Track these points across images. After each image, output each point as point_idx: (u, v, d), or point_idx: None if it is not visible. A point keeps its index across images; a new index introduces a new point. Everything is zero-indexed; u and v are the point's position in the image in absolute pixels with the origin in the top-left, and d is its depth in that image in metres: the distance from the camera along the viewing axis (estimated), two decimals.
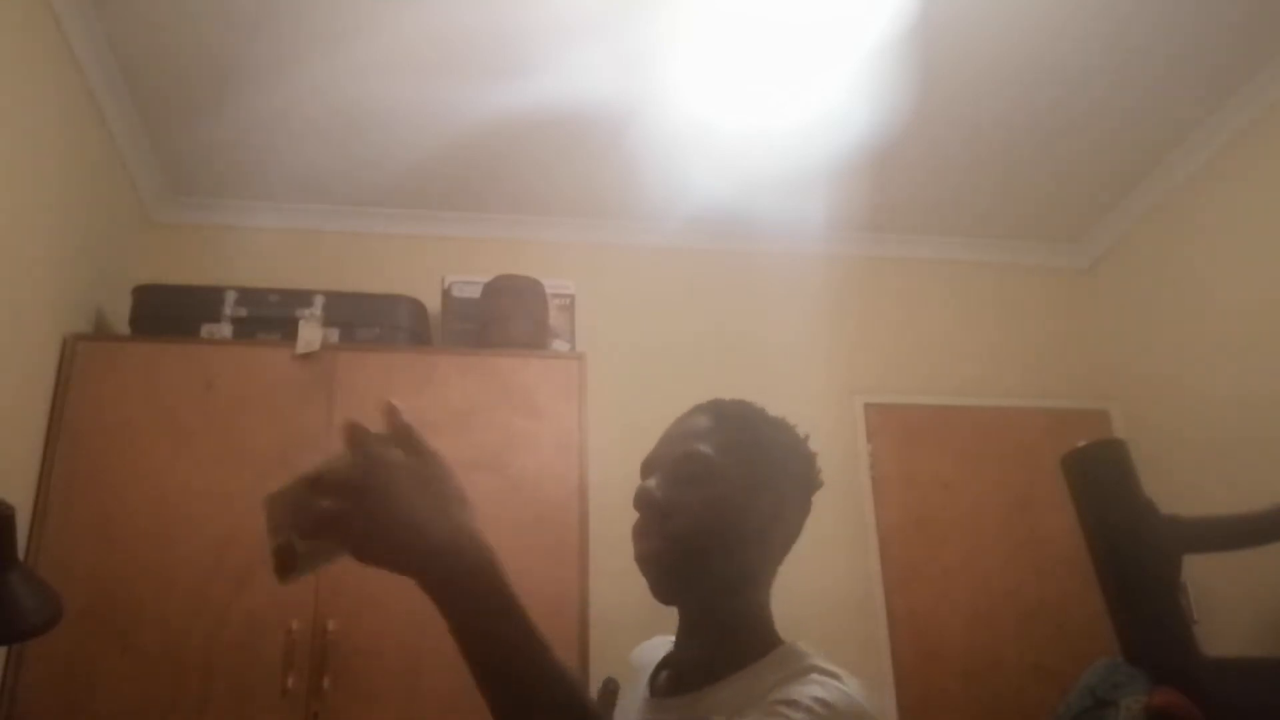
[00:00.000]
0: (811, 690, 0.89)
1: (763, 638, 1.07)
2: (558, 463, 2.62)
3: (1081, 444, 1.98)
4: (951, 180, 3.29)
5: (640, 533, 1.05)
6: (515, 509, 2.56)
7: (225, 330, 2.73)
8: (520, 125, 2.90)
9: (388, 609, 2.42)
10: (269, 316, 2.76)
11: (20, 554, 1.72)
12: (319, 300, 2.79)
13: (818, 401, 3.35)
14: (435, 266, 3.17)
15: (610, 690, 1.28)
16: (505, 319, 2.87)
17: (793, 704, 0.87)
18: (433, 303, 3.05)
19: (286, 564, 0.78)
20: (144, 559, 2.39)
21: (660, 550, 1.03)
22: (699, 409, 1.15)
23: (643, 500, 1.05)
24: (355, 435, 0.77)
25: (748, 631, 1.07)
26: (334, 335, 2.74)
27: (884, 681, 3.03)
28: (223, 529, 2.43)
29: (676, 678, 1.09)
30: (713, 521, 1.04)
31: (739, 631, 1.06)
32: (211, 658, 2.33)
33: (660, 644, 1.18)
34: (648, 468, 1.10)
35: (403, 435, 0.80)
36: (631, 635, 1.34)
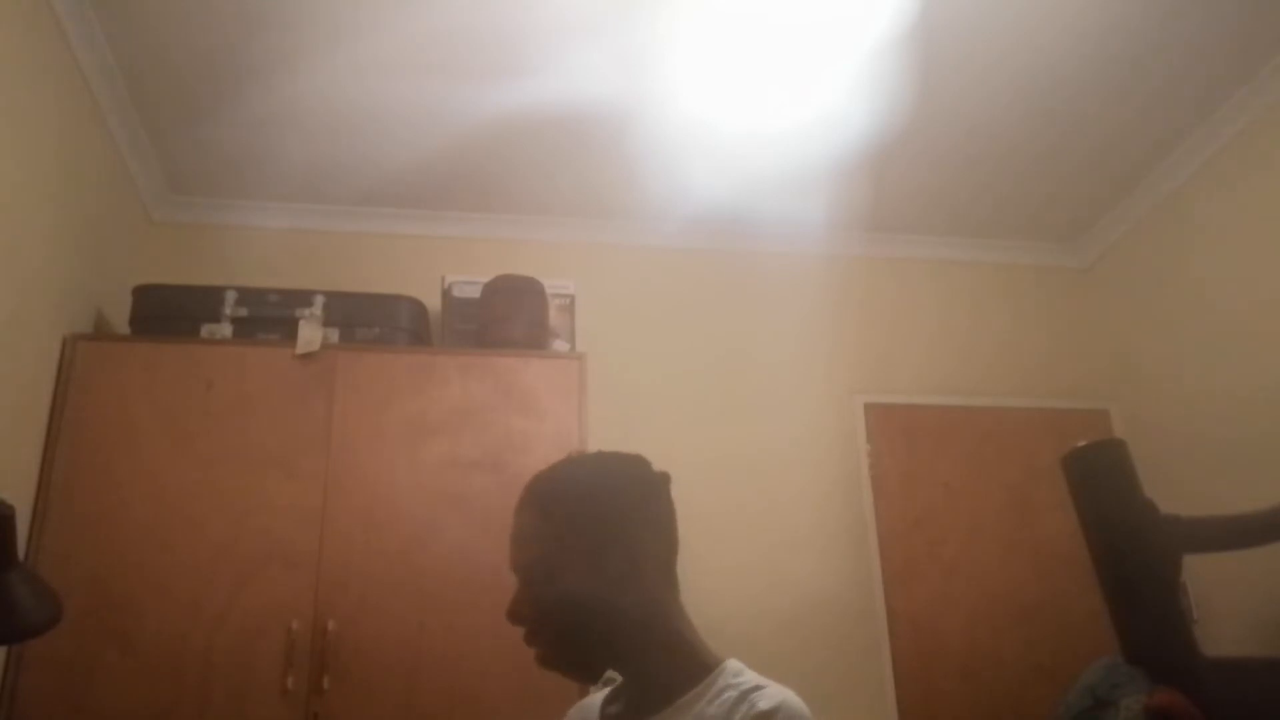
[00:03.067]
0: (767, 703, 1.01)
1: (698, 659, 1.12)
2: None
3: (1081, 444, 1.97)
4: (951, 180, 3.29)
5: (529, 642, 1.11)
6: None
7: (225, 330, 2.73)
8: (520, 125, 2.90)
9: (388, 609, 2.42)
10: (269, 316, 2.76)
11: (20, 554, 1.71)
12: (319, 300, 2.79)
13: (818, 401, 3.35)
14: (435, 266, 3.17)
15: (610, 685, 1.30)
16: (505, 319, 2.87)
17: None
18: (433, 303, 3.05)
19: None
20: (144, 559, 2.39)
21: (551, 655, 1.10)
22: (519, 504, 1.17)
23: (512, 618, 1.11)
24: None
25: (681, 656, 1.12)
26: (334, 335, 2.74)
27: (884, 681, 3.04)
28: (223, 529, 2.44)
29: (628, 709, 1.14)
30: (574, 609, 1.09)
31: (669, 661, 1.11)
32: (211, 658, 2.33)
33: (592, 704, 1.23)
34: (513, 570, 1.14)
35: None
36: None
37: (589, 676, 1.13)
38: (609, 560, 1.10)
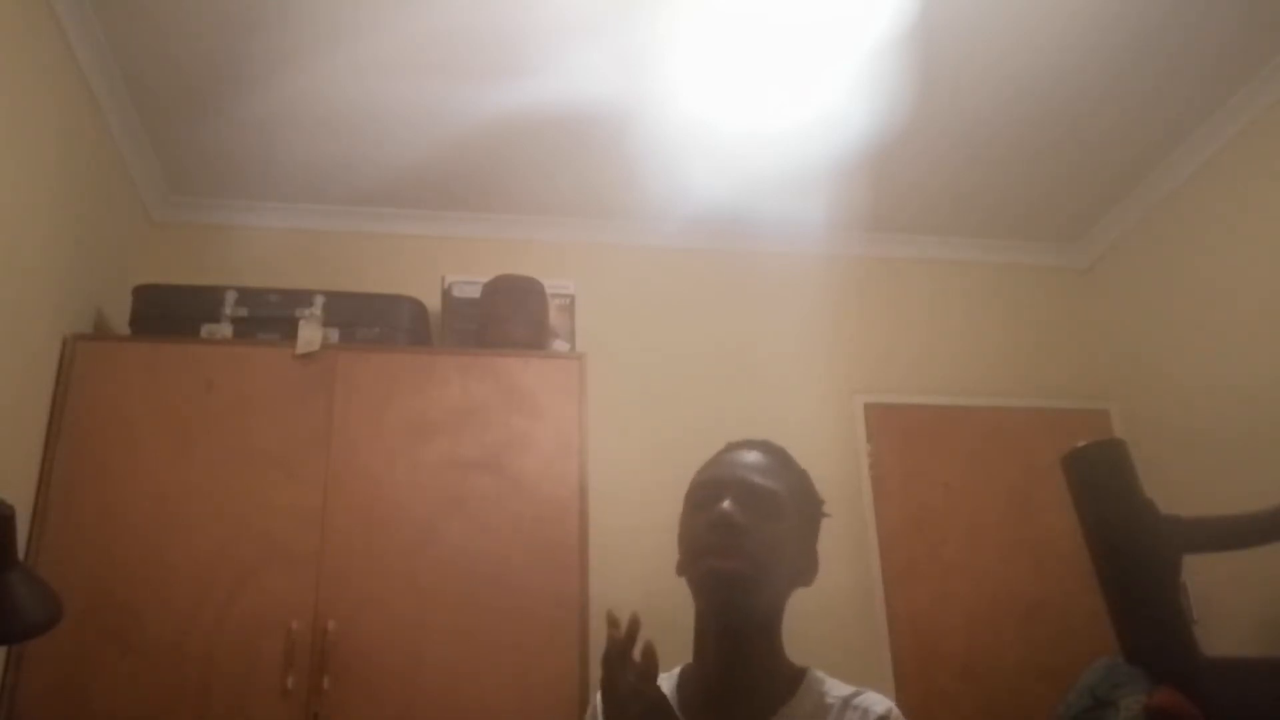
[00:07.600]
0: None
1: (790, 667, 1.16)
2: (558, 463, 2.62)
3: (1081, 444, 1.98)
4: (951, 180, 3.29)
5: (718, 550, 1.09)
6: (515, 509, 2.55)
7: (225, 330, 2.73)
8: (520, 125, 2.90)
9: (388, 609, 2.42)
10: (269, 316, 2.76)
11: (20, 554, 1.71)
12: (319, 300, 2.79)
13: (818, 401, 3.35)
14: (435, 266, 3.17)
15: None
16: (505, 319, 2.87)
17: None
18: (433, 303, 3.05)
19: None
20: (144, 559, 2.39)
21: (741, 569, 1.09)
22: (749, 444, 1.21)
23: (724, 521, 1.10)
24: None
25: (781, 660, 1.15)
26: (334, 335, 2.74)
27: (884, 681, 3.03)
28: (223, 529, 2.43)
29: (724, 708, 1.12)
30: (778, 552, 1.12)
31: (777, 660, 1.15)
32: (212, 657, 2.33)
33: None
34: (710, 489, 1.15)
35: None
36: None
37: (743, 611, 1.11)
38: (802, 547, 1.17)
